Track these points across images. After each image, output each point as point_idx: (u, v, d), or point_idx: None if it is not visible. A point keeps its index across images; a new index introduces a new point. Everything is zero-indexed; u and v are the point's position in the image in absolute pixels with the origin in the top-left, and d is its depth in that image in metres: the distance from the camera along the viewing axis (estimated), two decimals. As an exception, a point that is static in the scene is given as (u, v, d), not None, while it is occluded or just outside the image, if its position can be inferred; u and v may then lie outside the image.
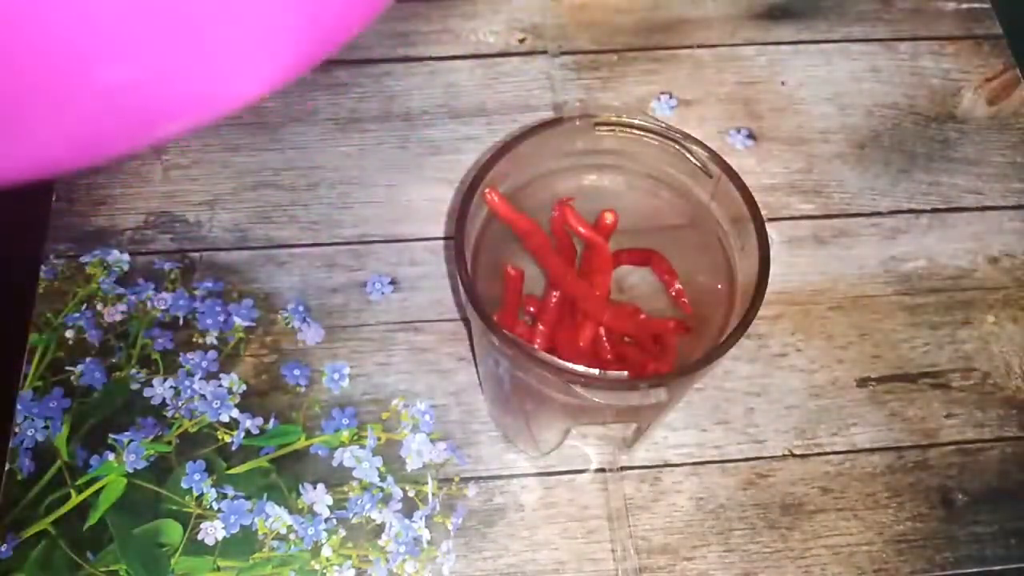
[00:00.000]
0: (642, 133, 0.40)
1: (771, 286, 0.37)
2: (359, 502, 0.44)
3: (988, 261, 0.52)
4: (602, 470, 0.46)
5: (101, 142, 0.17)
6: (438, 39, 0.58)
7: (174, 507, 0.44)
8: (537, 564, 0.44)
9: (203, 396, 0.46)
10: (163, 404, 0.46)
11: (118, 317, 0.48)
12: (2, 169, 0.17)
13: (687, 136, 0.39)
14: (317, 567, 0.43)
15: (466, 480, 0.45)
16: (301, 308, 0.49)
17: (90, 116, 0.16)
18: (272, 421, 0.46)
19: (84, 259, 0.50)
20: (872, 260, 0.52)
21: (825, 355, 0.49)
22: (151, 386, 0.47)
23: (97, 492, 0.44)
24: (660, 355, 0.41)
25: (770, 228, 0.39)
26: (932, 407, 0.48)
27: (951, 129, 0.56)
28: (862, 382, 0.49)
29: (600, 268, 0.41)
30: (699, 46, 0.58)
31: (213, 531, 0.43)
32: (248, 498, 0.44)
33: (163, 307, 0.49)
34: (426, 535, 0.44)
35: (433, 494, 0.45)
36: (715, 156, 0.39)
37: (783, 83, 0.57)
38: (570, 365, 0.34)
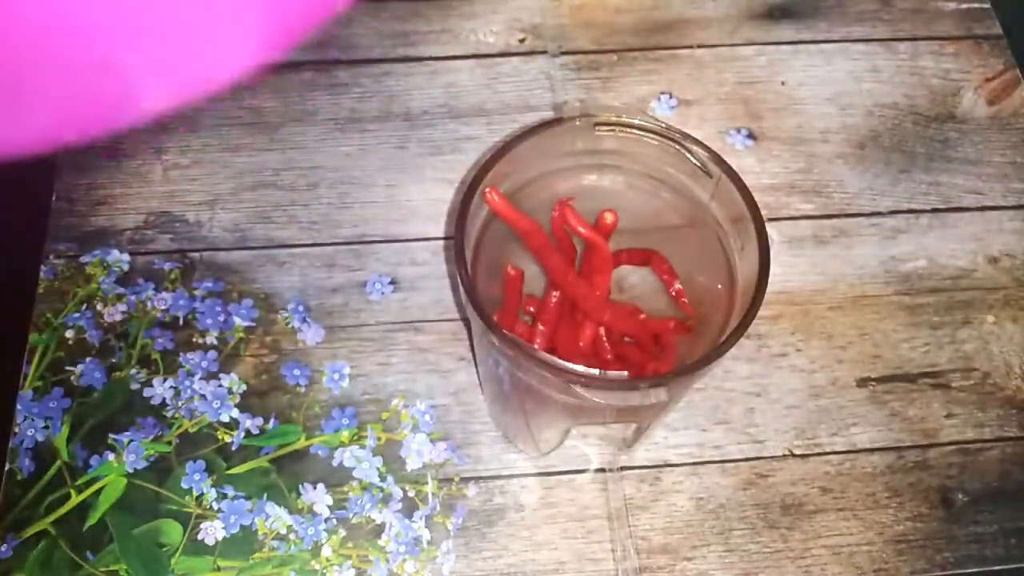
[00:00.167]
0: (642, 133, 0.40)
1: (771, 286, 0.37)
2: (359, 502, 0.44)
3: (988, 261, 0.52)
4: (602, 470, 0.46)
5: (93, 116, 0.17)
6: (438, 39, 0.58)
7: (174, 507, 0.44)
8: (537, 564, 0.44)
9: (203, 396, 0.46)
10: (163, 404, 0.46)
11: (118, 317, 0.48)
12: (5, 140, 0.17)
13: (687, 136, 0.39)
14: (317, 567, 0.43)
15: (466, 480, 0.45)
16: (301, 308, 0.49)
17: (84, 91, 0.16)
18: (272, 421, 0.46)
19: (84, 259, 0.50)
20: (872, 260, 0.52)
21: (825, 355, 0.49)
22: (151, 386, 0.47)
23: (97, 492, 0.44)
24: (660, 355, 0.41)
25: (770, 228, 0.39)
26: (932, 407, 0.48)
27: (951, 129, 0.56)
28: (862, 382, 0.49)
29: (600, 268, 0.41)
30: (699, 46, 0.58)
31: (213, 531, 0.43)
32: (248, 498, 0.44)
33: (163, 307, 0.49)
34: (426, 535, 0.44)
35: (433, 494, 0.45)
36: (715, 156, 0.39)
37: (783, 83, 0.57)
38: (570, 365, 0.34)
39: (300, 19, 0.18)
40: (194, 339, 0.48)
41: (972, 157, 0.55)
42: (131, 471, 0.45)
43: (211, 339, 0.48)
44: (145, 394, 0.46)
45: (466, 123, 0.55)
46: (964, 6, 0.61)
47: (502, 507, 0.45)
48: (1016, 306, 0.51)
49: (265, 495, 0.44)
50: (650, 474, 0.46)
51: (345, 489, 0.45)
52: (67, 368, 0.47)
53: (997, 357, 0.49)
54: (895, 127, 0.56)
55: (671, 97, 0.56)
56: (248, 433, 0.46)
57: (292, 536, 0.43)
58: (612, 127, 0.40)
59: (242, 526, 0.44)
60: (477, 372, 0.47)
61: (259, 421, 0.46)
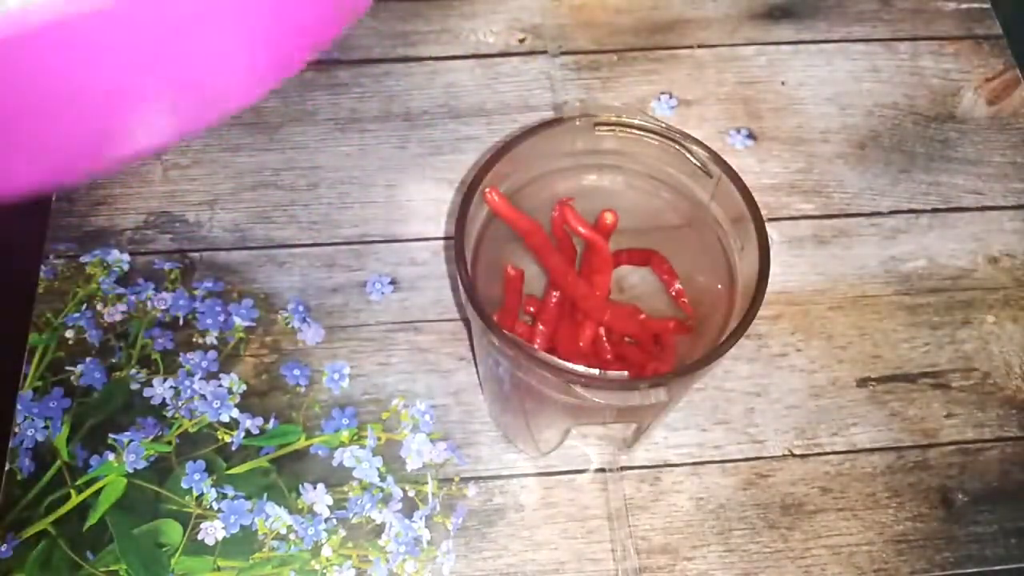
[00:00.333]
0: (642, 133, 0.40)
1: (771, 286, 0.37)
2: (359, 502, 0.44)
3: (988, 261, 0.52)
4: (602, 470, 0.46)
5: (95, 154, 0.17)
6: (438, 39, 0.58)
7: (174, 507, 0.44)
8: (537, 564, 0.44)
9: (203, 396, 0.46)
10: (163, 404, 0.46)
11: (118, 317, 0.48)
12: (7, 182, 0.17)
13: (687, 136, 0.39)
14: (317, 567, 0.43)
15: (466, 480, 0.45)
16: (301, 308, 0.49)
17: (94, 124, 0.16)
18: (272, 421, 0.46)
19: (84, 259, 0.50)
20: (872, 260, 0.52)
21: (825, 355, 0.49)
22: (151, 386, 0.47)
23: (97, 492, 0.44)
24: (660, 355, 0.41)
25: (770, 228, 0.39)
26: (932, 407, 0.48)
27: (951, 129, 0.56)
28: (862, 382, 0.49)
29: (600, 268, 0.41)
30: (699, 46, 0.58)
31: (213, 531, 0.43)
32: (248, 498, 0.44)
33: (163, 307, 0.49)
34: (426, 535, 0.44)
35: (433, 494, 0.45)
36: (715, 156, 0.39)
37: (783, 83, 0.57)
38: (570, 365, 0.34)
39: (303, 45, 0.18)
40: (194, 339, 0.48)
41: (972, 157, 0.55)
42: (131, 471, 0.45)
43: (211, 339, 0.48)
44: (145, 394, 0.46)
45: (466, 123, 0.55)
46: (964, 6, 0.61)
47: (502, 507, 0.45)
48: (1016, 306, 0.51)
49: (265, 495, 0.44)
50: (650, 474, 0.46)
51: (345, 489, 0.45)
52: (67, 368, 0.47)
53: (997, 357, 0.49)
54: (895, 127, 0.56)
55: (671, 97, 0.56)
56: (248, 433, 0.46)
57: (292, 536, 0.43)
58: (612, 127, 0.40)
59: (242, 526, 0.44)
60: (477, 372, 0.47)
61: (259, 421, 0.46)
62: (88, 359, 0.47)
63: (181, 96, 0.17)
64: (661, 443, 0.47)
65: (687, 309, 0.42)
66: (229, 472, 0.45)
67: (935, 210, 0.54)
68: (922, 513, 0.45)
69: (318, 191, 0.53)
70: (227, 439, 0.45)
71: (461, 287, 0.36)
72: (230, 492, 0.44)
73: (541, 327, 0.41)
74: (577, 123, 0.40)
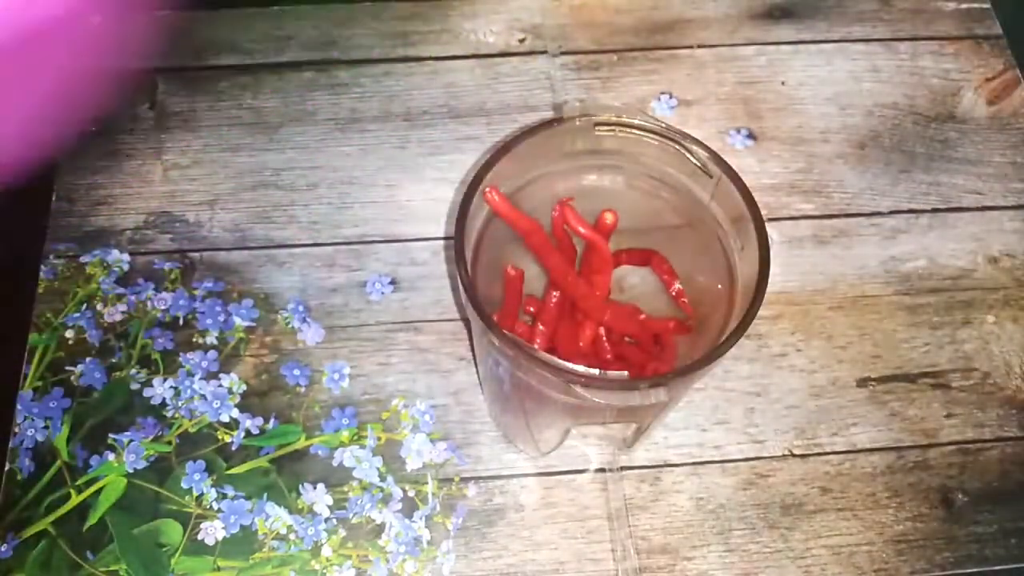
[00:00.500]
0: (642, 133, 0.40)
1: (771, 286, 0.36)
2: (359, 502, 0.44)
3: (988, 261, 0.52)
4: (602, 470, 0.46)
5: None
6: (438, 39, 0.58)
7: (174, 507, 0.44)
8: (537, 564, 0.44)
9: (203, 396, 0.46)
10: (163, 404, 0.46)
11: (118, 317, 0.48)
12: None
13: (687, 136, 0.39)
14: (317, 567, 0.43)
15: (466, 480, 0.45)
16: (301, 308, 0.49)
17: None
18: (272, 421, 0.46)
19: (84, 259, 0.50)
20: (872, 260, 0.52)
21: (825, 355, 0.49)
22: (151, 386, 0.47)
23: (97, 492, 0.44)
24: (660, 355, 0.41)
25: (770, 228, 0.39)
26: (932, 407, 0.48)
27: (951, 129, 0.56)
28: (862, 382, 0.49)
29: (600, 268, 0.41)
30: (699, 46, 0.58)
31: (213, 531, 0.43)
32: (248, 498, 0.44)
33: (163, 307, 0.49)
34: (426, 535, 0.44)
35: (433, 494, 0.45)
36: (715, 156, 0.39)
37: (783, 83, 0.57)
38: (570, 365, 0.34)
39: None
40: (194, 339, 0.48)
41: (972, 157, 0.55)
42: (131, 471, 0.45)
43: (211, 339, 0.48)
44: (145, 394, 0.46)
45: (466, 123, 0.55)
46: (964, 6, 0.61)
47: (502, 507, 0.45)
48: (1016, 306, 0.51)
49: (265, 495, 0.44)
50: (650, 474, 0.46)
51: (345, 489, 0.45)
52: (67, 368, 0.47)
53: (997, 357, 0.49)
54: (895, 127, 0.56)
55: (671, 97, 0.56)
56: (248, 433, 0.46)
57: (292, 536, 0.43)
58: (612, 127, 0.40)
59: (242, 526, 0.44)
60: (477, 372, 0.47)
61: (259, 421, 0.46)
62: (88, 359, 0.47)
63: None
64: (661, 443, 0.47)
65: (687, 309, 0.42)
66: (229, 472, 0.45)
67: (935, 210, 0.54)
68: (922, 513, 0.45)
69: (318, 191, 0.53)
70: (227, 439, 0.45)
71: (461, 287, 0.36)
72: (230, 492, 0.44)
73: (541, 327, 0.41)
74: (577, 123, 0.40)
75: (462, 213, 0.37)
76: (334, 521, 0.44)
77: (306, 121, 0.55)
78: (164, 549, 0.43)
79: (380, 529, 0.44)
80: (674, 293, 0.42)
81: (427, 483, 0.45)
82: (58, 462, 0.45)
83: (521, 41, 0.58)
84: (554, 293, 0.41)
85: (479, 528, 0.44)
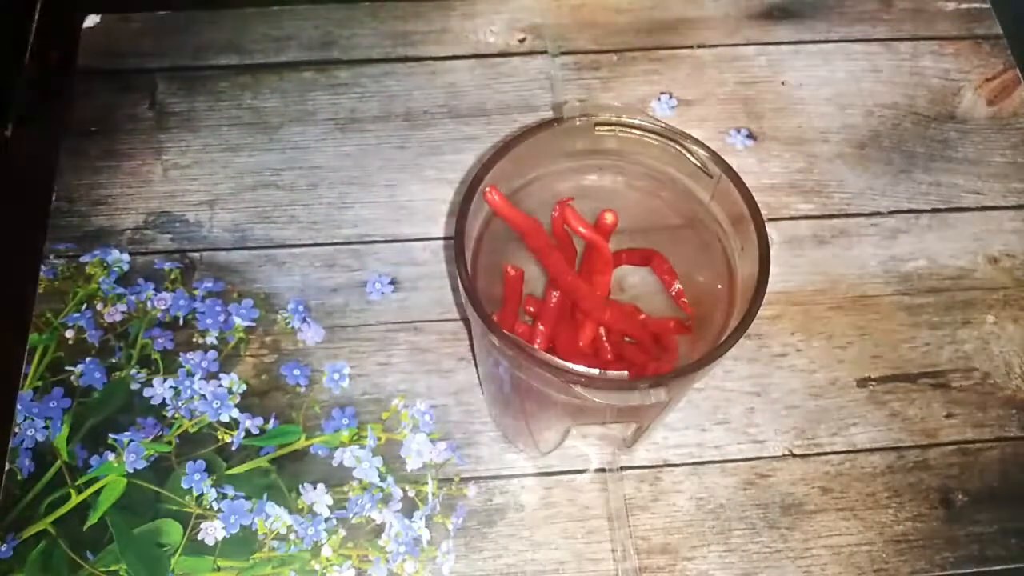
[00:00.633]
0: (642, 133, 0.40)
1: (771, 286, 0.36)
2: (359, 502, 0.44)
3: (988, 261, 0.52)
4: (602, 470, 0.46)
5: None
6: (438, 39, 0.58)
7: (174, 507, 0.44)
8: (537, 564, 0.44)
9: (203, 396, 0.46)
10: (163, 404, 0.46)
11: (118, 317, 0.48)
12: None
13: (687, 136, 0.39)
14: (317, 567, 0.43)
15: (466, 480, 0.45)
16: (301, 308, 0.49)
17: None
18: (272, 421, 0.46)
19: (84, 259, 0.50)
20: (872, 260, 0.52)
21: (825, 355, 0.49)
22: (151, 386, 0.47)
23: (97, 492, 0.44)
24: (660, 355, 0.41)
25: (770, 228, 0.39)
26: (932, 407, 0.48)
27: (951, 129, 0.56)
28: (862, 382, 0.49)
29: (600, 268, 0.41)
30: (699, 46, 0.58)
31: (213, 531, 0.43)
32: (248, 498, 0.44)
33: (163, 307, 0.49)
34: (426, 535, 0.44)
35: (433, 494, 0.45)
36: (715, 156, 0.39)
37: (783, 83, 0.57)
38: (570, 365, 0.34)
39: None
40: (194, 339, 0.48)
41: (972, 157, 0.55)
42: (131, 471, 0.45)
43: (211, 339, 0.48)
44: (145, 394, 0.46)
45: (466, 123, 0.55)
46: (964, 6, 0.61)
47: (502, 507, 0.45)
48: (1016, 306, 0.51)
49: (265, 495, 0.44)
50: (650, 474, 0.46)
51: (345, 489, 0.45)
52: (67, 368, 0.47)
53: (997, 357, 0.49)
54: (895, 127, 0.56)
55: (671, 97, 0.56)
56: (248, 433, 0.46)
57: (292, 536, 0.43)
58: (612, 127, 0.40)
59: (242, 526, 0.44)
60: (477, 372, 0.47)
61: (259, 421, 0.46)
62: (88, 359, 0.47)
63: None
64: (661, 443, 0.47)
65: (687, 309, 0.42)
66: (229, 472, 0.45)
67: (935, 210, 0.54)
68: (922, 513, 0.45)
69: (318, 191, 0.53)
70: (227, 439, 0.45)
71: (461, 287, 0.36)
72: (230, 492, 0.44)
73: (541, 327, 0.41)
74: (577, 123, 0.40)
75: (462, 213, 0.37)
76: (334, 521, 0.44)
77: (306, 121, 0.55)
78: (164, 549, 0.43)
79: (380, 529, 0.44)
80: (674, 293, 0.42)
81: (427, 483, 0.45)
82: (58, 462, 0.45)
83: (521, 41, 0.58)
84: (554, 293, 0.41)
85: (479, 528, 0.44)
